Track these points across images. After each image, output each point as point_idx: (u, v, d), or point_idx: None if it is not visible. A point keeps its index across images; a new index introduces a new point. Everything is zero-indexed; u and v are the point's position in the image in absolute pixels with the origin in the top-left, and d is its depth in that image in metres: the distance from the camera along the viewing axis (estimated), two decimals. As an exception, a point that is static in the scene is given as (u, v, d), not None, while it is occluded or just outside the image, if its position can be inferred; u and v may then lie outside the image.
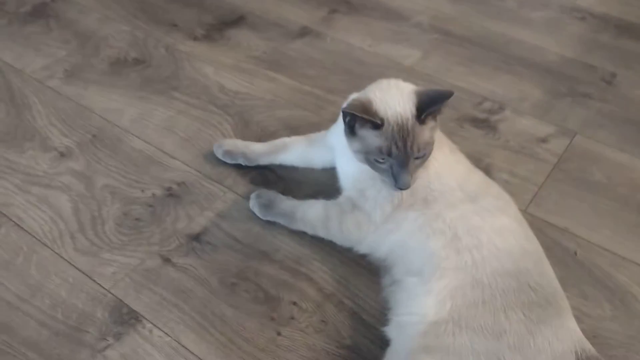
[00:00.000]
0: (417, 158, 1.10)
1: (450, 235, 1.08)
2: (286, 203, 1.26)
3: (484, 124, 1.56)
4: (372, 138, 1.10)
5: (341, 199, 1.23)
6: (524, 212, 1.32)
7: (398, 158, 1.08)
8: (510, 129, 1.55)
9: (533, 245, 1.12)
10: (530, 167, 1.44)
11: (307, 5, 2.02)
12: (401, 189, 1.11)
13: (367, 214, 1.17)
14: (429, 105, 1.08)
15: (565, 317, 1.02)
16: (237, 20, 1.92)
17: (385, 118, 1.09)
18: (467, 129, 1.55)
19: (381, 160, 1.10)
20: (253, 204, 1.28)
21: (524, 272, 1.03)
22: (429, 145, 1.12)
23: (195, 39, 1.83)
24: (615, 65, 1.80)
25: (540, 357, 0.94)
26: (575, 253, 1.26)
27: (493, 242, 1.07)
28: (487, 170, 1.40)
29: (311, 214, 1.23)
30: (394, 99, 1.11)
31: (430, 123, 1.12)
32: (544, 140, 1.52)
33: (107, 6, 1.96)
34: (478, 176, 1.23)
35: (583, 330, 1.05)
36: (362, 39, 1.86)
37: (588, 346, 1.00)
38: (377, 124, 1.09)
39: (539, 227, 1.28)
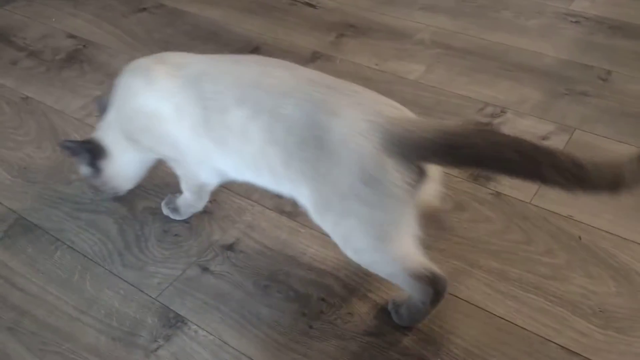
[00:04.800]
0: None
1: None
2: None
3: (487, 127, 1.68)
4: None
5: None
6: (529, 203, 1.42)
7: None
8: (512, 129, 1.66)
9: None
10: (533, 163, 1.54)
11: (316, 31, 2.17)
12: None
13: None
14: None
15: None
16: (253, 50, 2.08)
17: None
18: (472, 132, 1.66)
19: None
20: None
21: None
22: None
23: (216, 71, 1.99)
24: (611, 63, 1.90)
25: None
26: (580, 238, 1.35)
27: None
28: (493, 169, 1.51)
29: None
30: None
31: None
32: (544, 137, 1.63)
33: (134, 48, 2.13)
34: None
35: (590, 307, 1.14)
36: (368, 59, 2.00)
37: None
38: None
39: (544, 217, 1.38)
